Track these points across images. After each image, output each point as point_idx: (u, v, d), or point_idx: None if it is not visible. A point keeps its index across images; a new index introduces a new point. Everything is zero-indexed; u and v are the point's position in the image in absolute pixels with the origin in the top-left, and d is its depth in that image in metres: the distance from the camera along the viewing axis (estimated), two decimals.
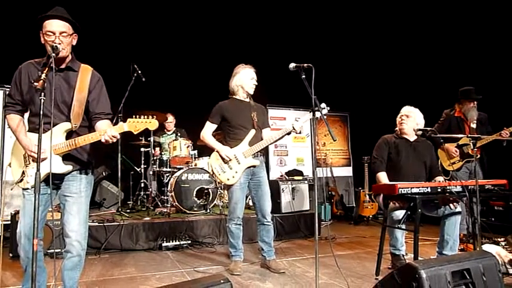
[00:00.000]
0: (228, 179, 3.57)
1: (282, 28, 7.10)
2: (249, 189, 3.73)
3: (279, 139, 3.70)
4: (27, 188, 2.36)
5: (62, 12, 2.35)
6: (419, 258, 2.91)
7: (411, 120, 3.70)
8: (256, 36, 7.05)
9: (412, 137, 3.74)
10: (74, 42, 2.44)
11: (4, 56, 5.34)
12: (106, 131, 2.25)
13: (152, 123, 2.33)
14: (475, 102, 4.61)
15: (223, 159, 3.57)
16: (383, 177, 3.61)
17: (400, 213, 3.40)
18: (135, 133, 2.33)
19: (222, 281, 1.71)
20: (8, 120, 2.46)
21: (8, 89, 5.36)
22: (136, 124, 2.30)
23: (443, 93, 5.23)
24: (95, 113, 2.46)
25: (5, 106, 2.48)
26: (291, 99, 7.43)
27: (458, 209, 3.42)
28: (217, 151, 3.62)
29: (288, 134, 3.59)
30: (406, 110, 3.77)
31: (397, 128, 3.80)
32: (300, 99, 5.03)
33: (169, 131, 6.58)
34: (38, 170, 1.85)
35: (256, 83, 3.72)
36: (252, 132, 3.64)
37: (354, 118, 8.68)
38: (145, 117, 2.33)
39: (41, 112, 1.93)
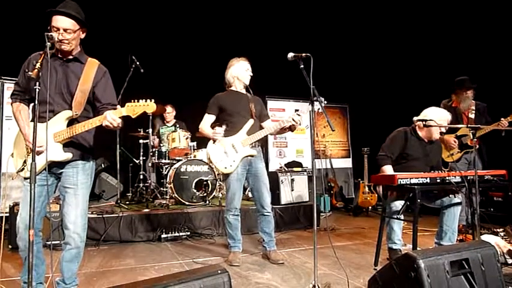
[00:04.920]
0: (225, 168, 3.55)
1: (281, 18, 7.04)
2: (247, 181, 3.73)
3: (279, 132, 3.67)
4: (28, 178, 2.36)
5: (71, 7, 2.37)
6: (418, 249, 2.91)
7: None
8: (255, 26, 7.00)
9: (427, 140, 3.65)
10: (82, 36, 2.48)
11: (3, 49, 5.33)
12: (105, 115, 2.26)
13: (150, 106, 2.33)
14: (469, 92, 4.58)
15: (222, 148, 3.55)
16: (389, 170, 3.51)
17: (399, 204, 3.39)
18: (133, 117, 2.33)
19: (219, 271, 1.71)
20: (13, 108, 2.50)
21: (6, 81, 5.38)
22: (134, 108, 2.30)
23: (442, 84, 5.20)
24: (101, 104, 2.49)
25: (12, 94, 2.52)
26: (290, 90, 7.40)
27: (458, 200, 3.41)
28: (213, 139, 3.61)
29: (291, 129, 3.57)
30: (449, 119, 3.61)
31: (417, 125, 3.65)
32: (299, 90, 5.00)
33: (168, 122, 6.56)
34: (34, 160, 1.84)
35: (252, 74, 3.72)
36: (251, 121, 3.63)
37: (353, 109, 8.65)
38: (143, 100, 2.33)
39: (36, 101, 1.94)
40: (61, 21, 2.31)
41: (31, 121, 2.43)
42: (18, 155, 2.50)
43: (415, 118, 3.62)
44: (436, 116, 3.53)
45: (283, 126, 3.54)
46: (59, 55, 2.42)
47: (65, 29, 2.32)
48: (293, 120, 3.44)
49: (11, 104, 2.52)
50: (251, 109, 3.65)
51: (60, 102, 2.40)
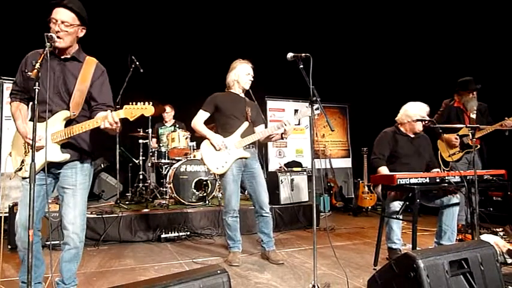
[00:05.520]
0: (217, 168, 3.56)
1: (281, 18, 7.04)
2: (244, 182, 3.73)
3: (266, 139, 3.68)
4: (26, 177, 2.35)
5: (73, 3, 2.35)
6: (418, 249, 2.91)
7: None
8: (255, 26, 7.00)
9: (412, 133, 3.71)
10: (80, 35, 2.45)
11: (2, 49, 5.33)
12: (106, 116, 2.22)
13: (148, 109, 2.30)
14: (475, 93, 4.59)
15: (214, 147, 3.57)
16: (384, 171, 3.55)
17: (398, 204, 3.40)
18: (131, 119, 2.30)
19: (219, 271, 1.71)
20: (11, 107, 2.49)
21: (6, 82, 5.38)
22: (132, 110, 2.28)
23: (443, 83, 5.20)
24: (96, 104, 2.46)
25: (11, 93, 2.50)
26: (289, 90, 7.40)
27: (456, 200, 3.42)
28: (208, 139, 3.62)
29: (282, 137, 3.61)
30: (428, 110, 3.65)
31: (399, 123, 3.73)
32: (298, 91, 5.01)
33: (167, 122, 6.56)
34: (33, 160, 1.84)
35: (252, 79, 3.72)
36: (245, 124, 3.64)
37: (353, 109, 8.65)
38: (142, 103, 2.31)
39: (36, 102, 1.93)
40: (61, 13, 2.30)
41: (29, 120, 2.42)
42: (16, 155, 2.49)
43: (413, 117, 3.62)
44: (418, 109, 3.61)
45: (275, 132, 3.56)
46: (56, 53, 2.39)
47: (63, 21, 2.30)
48: (285, 124, 3.47)
49: (10, 103, 2.51)
50: (247, 112, 3.66)
51: (58, 102, 2.38)
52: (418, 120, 3.57)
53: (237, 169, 3.62)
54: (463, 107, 4.65)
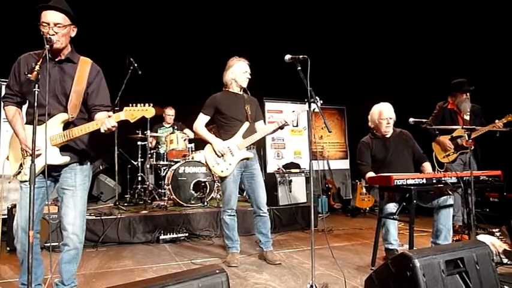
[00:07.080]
0: (222, 171, 3.58)
1: (278, 20, 7.06)
2: (243, 182, 3.75)
3: (273, 132, 3.74)
4: (25, 181, 2.35)
5: (60, 3, 2.34)
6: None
7: (393, 120, 3.78)
8: (253, 28, 7.02)
9: (388, 134, 3.79)
10: (73, 34, 2.43)
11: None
12: (103, 121, 2.24)
13: (149, 111, 2.32)
14: (468, 94, 4.63)
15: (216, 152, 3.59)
16: (372, 175, 3.61)
17: (394, 205, 3.42)
18: (131, 121, 2.31)
19: (217, 271, 1.72)
20: (6, 112, 2.46)
21: (3, 83, 5.36)
22: (132, 112, 2.29)
23: (437, 86, 5.23)
24: (94, 105, 2.46)
25: (4, 97, 2.46)
26: (287, 92, 7.42)
27: (451, 201, 3.45)
28: (210, 144, 3.64)
29: (281, 128, 3.63)
30: (390, 112, 3.78)
31: (372, 128, 3.88)
32: (296, 92, 5.03)
33: (168, 123, 6.58)
34: (33, 161, 1.85)
35: (250, 76, 3.73)
36: (246, 124, 3.66)
37: (350, 111, 8.66)
38: (142, 105, 2.32)
39: (35, 104, 1.93)
40: (51, 16, 2.28)
41: (26, 123, 2.41)
42: (13, 159, 2.48)
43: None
44: (377, 111, 3.88)
45: (277, 128, 3.60)
46: (50, 55, 2.31)
47: (55, 23, 2.28)
48: (285, 120, 3.51)
49: (4, 108, 2.47)
50: (247, 112, 3.68)
51: (55, 105, 2.37)
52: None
53: (238, 170, 3.64)
54: (456, 109, 4.69)
